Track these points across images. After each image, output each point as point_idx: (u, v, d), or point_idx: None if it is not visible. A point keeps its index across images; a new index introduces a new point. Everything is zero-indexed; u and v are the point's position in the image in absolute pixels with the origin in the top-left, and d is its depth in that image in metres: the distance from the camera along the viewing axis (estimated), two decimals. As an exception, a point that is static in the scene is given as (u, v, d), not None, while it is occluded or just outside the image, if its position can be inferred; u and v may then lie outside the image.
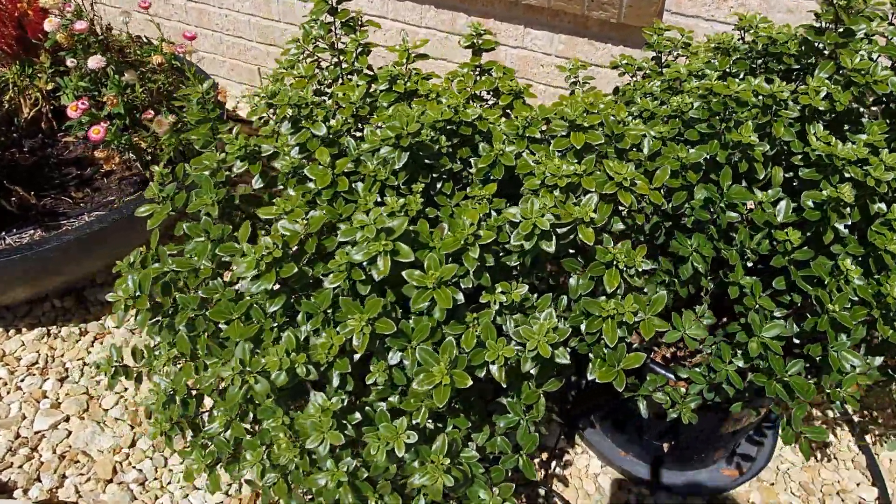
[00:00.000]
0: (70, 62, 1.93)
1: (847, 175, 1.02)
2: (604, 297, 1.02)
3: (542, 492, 1.66)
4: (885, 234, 1.00)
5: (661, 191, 1.16)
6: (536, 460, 1.71)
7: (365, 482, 1.01)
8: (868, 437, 1.85)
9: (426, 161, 1.05)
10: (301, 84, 1.23)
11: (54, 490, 1.63)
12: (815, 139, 1.07)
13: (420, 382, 0.89)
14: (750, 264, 1.20)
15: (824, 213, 1.03)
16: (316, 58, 1.34)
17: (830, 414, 1.91)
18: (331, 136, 1.11)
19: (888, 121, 1.14)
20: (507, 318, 1.00)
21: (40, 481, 1.64)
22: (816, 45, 1.21)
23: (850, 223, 1.03)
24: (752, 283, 1.14)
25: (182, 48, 1.97)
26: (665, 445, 1.62)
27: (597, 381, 1.02)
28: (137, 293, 0.99)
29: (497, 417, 1.14)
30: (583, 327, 1.02)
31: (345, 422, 0.92)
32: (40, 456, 1.70)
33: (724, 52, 1.27)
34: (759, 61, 1.26)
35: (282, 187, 1.18)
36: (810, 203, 1.07)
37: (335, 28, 1.34)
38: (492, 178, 1.07)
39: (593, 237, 0.96)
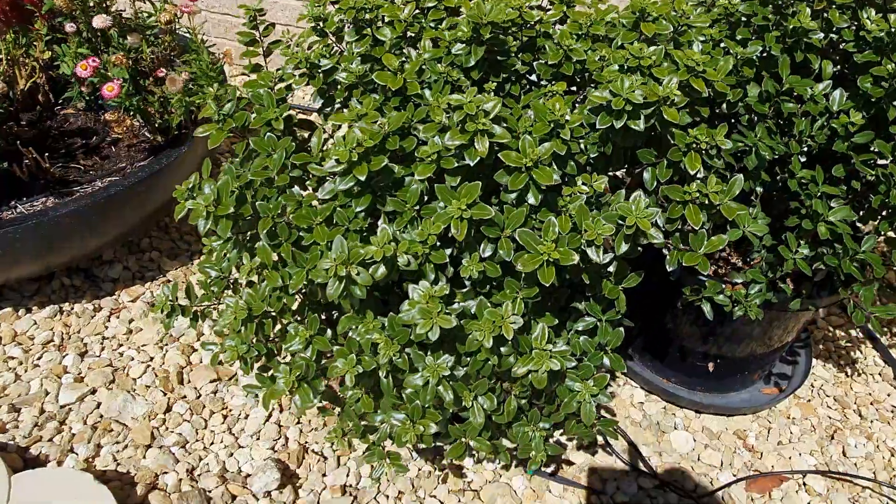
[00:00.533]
0: (69, 27, 1.86)
1: (904, 52, 1.05)
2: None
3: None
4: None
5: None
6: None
7: (461, 383, 0.99)
8: (893, 352, 1.91)
9: (498, 58, 1.04)
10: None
11: (90, 459, 1.56)
12: (869, 22, 1.09)
13: (525, 262, 0.88)
14: (804, 160, 1.22)
15: (887, 90, 1.06)
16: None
17: (854, 333, 1.96)
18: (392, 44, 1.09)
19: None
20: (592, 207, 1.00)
21: (74, 452, 1.57)
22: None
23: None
24: (812, 174, 1.16)
25: (187, 7, 1.92)
26: (710, 365, 1.63)
27: (669, 265, 1.02)
28: (215, 200, 0.95)
29: (571, 323, 1.14)
30: (658, 220, 1.02)
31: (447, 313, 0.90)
32: (70, 428, 1.62)
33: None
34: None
35: (339, 107, 1.15)
36: (868, 85, 1.09)
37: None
38: (562, 74, 1.06)
39: (678, 117, 0.96)
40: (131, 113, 1.82)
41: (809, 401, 1.78)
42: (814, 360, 1.86)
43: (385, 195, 0.97)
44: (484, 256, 0.96)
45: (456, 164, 0.92)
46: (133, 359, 1.79)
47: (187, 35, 2.01)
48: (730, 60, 1.11)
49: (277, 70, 1.12)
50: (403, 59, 1.07)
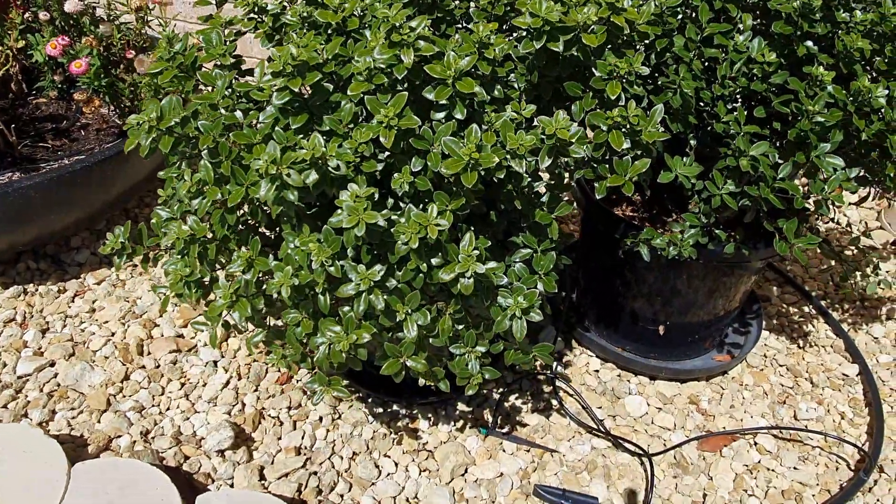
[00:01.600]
0: (43, 15, 1.93)
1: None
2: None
3: (550, 387, 1.68)
4: (851, 36, 1.10)
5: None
6: (539, 362, 1.73)
7: (394, 297, 1.02)
8: (844, 326, 1.95)
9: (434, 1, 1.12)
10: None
11: (45, 424, 1.55)
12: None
13: (448, 165, 0.93)
14: (731, 107, 1.29)
15: (796, 26, 1.13)
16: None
17: (806, 309, 2.01)
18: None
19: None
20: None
21: (28, 417, 1.57)
22: None
23: (819, 34, 1.14)
24: (735, 117, 1.23)
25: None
26: (661, 328, 1.67)
27: (598, 192, 1.07)
28: (158, 117, 1.00)
29: (509, 258, 1.18)
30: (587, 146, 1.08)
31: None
32: (26, 396, 1.62)
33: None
34: None
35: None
36: (779, 28, 1.17)
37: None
38: (494, 14, 1.14)
39: (596, 41, 1.03)
40: (101, 94, 1.88)
41: (762, 369, 1.81)
42: (767, 333, 1.90)
43: (322, 116, 1.02)
44: (415, 171, 1.00)
45: (386, 81, 0.98)
46: (94, 333, 1.80)
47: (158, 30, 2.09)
48: (651, 5, 1.19)
49: (224, 18, 1.18)
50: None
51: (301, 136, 1.01)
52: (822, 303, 2.03)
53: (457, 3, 1.18)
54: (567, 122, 0.99)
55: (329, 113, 1.03)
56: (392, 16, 0.94)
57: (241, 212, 1.09)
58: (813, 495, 1.50)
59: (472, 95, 0.98)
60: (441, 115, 1.01)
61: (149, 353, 1.74)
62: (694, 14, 1.27)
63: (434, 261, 1.00)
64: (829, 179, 1.15)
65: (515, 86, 1.10)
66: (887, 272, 2.16)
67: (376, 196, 0.95)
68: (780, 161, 1.21)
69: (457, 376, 1.12)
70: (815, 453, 1.60)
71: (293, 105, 1.01)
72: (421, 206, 1.02)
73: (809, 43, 1.17)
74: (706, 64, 1.25)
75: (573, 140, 0.98)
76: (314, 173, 0.93)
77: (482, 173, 0.94)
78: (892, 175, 1.11)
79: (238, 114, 1.05)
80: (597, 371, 1.75)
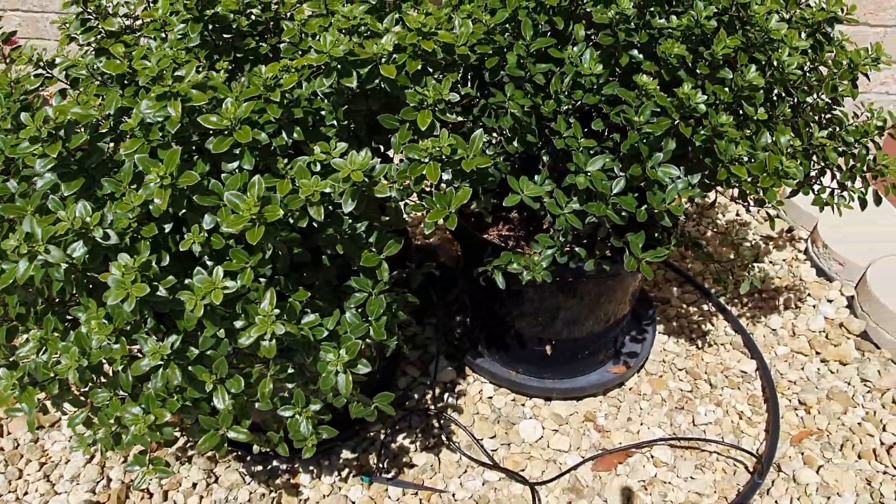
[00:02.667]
0: None
1: None
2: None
3: (438, 423, 1.61)
4: (669, 42, 1.06)
5: (474, 51, 1.19)
6: (429, 395, 1.66)
7: (199, 366, 0.93)
8: (742, 322, 1.93)
9: (225, 37, 1.04)
10: None
11: None
12: (598, -20, 1.14)
13: (230, 223, 0.85)
14: (572, 121, 1.25)
15: (615, 36, 1.09)
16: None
17: (706, 307, 1.99)
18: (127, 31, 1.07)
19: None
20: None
21: None
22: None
23: (640, 43, 1.10)
24: (575, 130, 1.18)
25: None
26: (547, 348, 1.62)
27: (426, 228, 1.01)
28: None
29: (347, 303, 1.10)
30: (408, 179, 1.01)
31: (157, 284, 0.85)
32: None
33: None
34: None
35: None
36: (602, 39, 1.13)
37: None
38: (302, 50, 1.06)
39: (394, 72, 0.96)
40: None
41: (661, 375, 1.77)
42: (666, 337, 1.87)
43: (102, 178, 0.93)
44: (209, 228, 0.92)
45: (161, 135, 0.89)
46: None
47: None
48: (469, 22, 1.13)
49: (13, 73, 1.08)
50: (132, 49, 1.05)
51: (74, 197, 0.92)
52: (722, 299, 2.01)
53: (261, 41, 1.10)
54: (366, 161, 0.92)
55: (111, 174, 0.93)
56: (153, 65, 0.86)
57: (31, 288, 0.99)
58: (709, 506, 1.46)
59: (257, 143, 0.90)
60: (233, 165, 0.93)
61: (9, 433, 1.61)
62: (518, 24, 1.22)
63: (238, 323, 0.91)
64: (668, 190, 1.11)
65: (333, 123, 1.03)
66: (783, 260, 2.16)
67: (146, 259, 0.86)
68: (623, 174, 1.16)
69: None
70: (712, 459, 1.57)
71: (68, 169, 0.92)
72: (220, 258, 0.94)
73: (634, 52, 1.13)
74: (542, 79, 1.20)
75: (377, 178, 0.91)
76: (82, 245, 0.84)
77: (290, 220, 0.86)
78: (724, 179, 1.07)
79: (11, 183, 0.95)
80: (490, 398, 1.69)
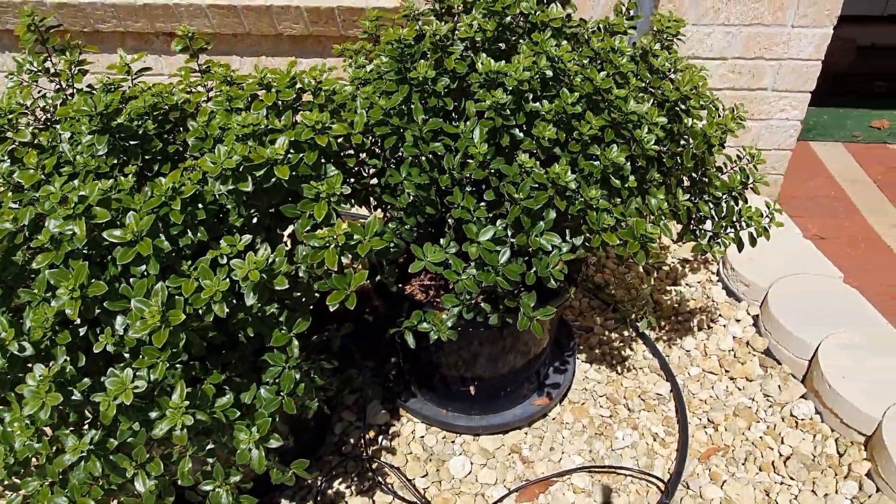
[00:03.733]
0: None
1: (508, 86, 1.21)
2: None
3: (371, 465, 1.70)
4: (543, 125, 1.18)
5: (370, 137, 1.30)
6: (364, 439, 1.76)
7: (121, 454, 1.02)
8: (659, 346, 2.07)
9: (131, 143, 1.12)
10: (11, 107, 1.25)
11: None
12: (481, 65, 1.25)
13: (137, 330, 0.93)
14: (469, 189, 1.36)
15: (494, 117, 1.21)
16: (36, 86, 1.38)
17: (626, 333, 2.12)
18: (37, 141, 1.14)
19: (532, 40, 1.35)
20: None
21: None
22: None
23: (519, 123, 1.22)
24: (468, 202, 1.29)
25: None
26: (471, 389, 1.72)
27: (329, 305, 1.11)
28: None
29: (264, 376, 1.19)
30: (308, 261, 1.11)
31: (73, 389, 0.94)
32: None
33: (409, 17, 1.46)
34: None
35: None
36: (485, 123, 1.24)
37: (51, 58, 1.38)
38: (204, 150, 1.15)
39: (288, 173, 1.06)
40: None
41: (583, 403, 1.90)
42: (588, 366, 2.00)
43: (18, 287, 1.00)
44: (120, 332, 1.00)
45: (69, 248, 0.97)
46: None
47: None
48: (364, 114, 1.24)
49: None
50: (46, 156, 1.12)
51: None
52: (640, 324, 2.15)
53: (170, 140, 1.18)
54: (262, 260, 1.01)
55: (28, 282, 1.01)
56: (57, 190, 0.94)
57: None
58: (621, 529, 1.59)
59: (161, 250, 0.99)
60: (141, 268, 1.02)
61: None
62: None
63: (153, 413, 1.00)
64: (551, 255, 1.23)
65: (238, 216, 1.12)
66: (698, 282, 2.31)
67: (60, 368, 0.94)
68: (513, 240, 1.28)
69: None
70: (626, 482, 1.69)
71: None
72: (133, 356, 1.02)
73: (515, 131, 1.25)
74: (441, 149, 1.31)
75: (276, 270, 1.01)
76: (0, 357, 0.92)
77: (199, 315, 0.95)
78: (597, 247, 1.19)
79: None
80: (423, 437, 1.79)
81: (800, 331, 1.91)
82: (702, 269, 2.36)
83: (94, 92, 1.30)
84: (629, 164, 1.21)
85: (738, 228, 1.41)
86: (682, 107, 1.23)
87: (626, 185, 1.23)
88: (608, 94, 1.18)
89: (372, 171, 1.33)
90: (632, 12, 1.46)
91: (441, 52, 1.27)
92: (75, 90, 1.36)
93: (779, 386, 1.91)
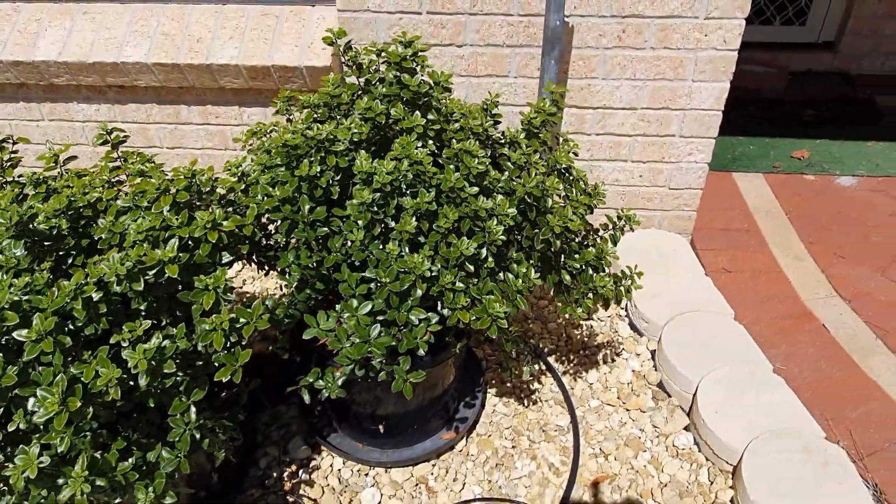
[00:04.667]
0: None
1: (379, 182, 1.40)
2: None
3: (290, 499, 1.90)
4: (406, 219, 1.38)
5: (261, 222, 1.48)
6: (286, 473, 1.95)
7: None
8: (566, 378, 2.27)
9: (46, 243, 1.31)
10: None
11: None
12: (359, 163, 1.44)
13: (40, 416, 1.12)
14: (354, 265, 1.55)
15: (364, 212, 1.40)
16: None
17: (537, 366, 2.32)
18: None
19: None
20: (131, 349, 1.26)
21: None
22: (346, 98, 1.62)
23: (390, 214, 1.41)
24: (350, 277, 1.49)
25: None
26: (381, 427, 1.92)
27: (221, 379, 1.30)
28: None
29: (169, 435, 1.39)
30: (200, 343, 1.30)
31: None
32: None
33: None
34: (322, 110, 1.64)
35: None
36: (355, 203, 1.43)
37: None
38: (113, 243, 1.34)
39: (177, 271, 1.25)
40: None
41: (489, 436, 2.10)
42: (497, 399, 2.20)
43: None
44: (32, 411, 1.19)
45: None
46: None
47: None
48: (255, 208, 1.43)
49: None
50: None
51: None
52: (553, 357, 2.35)
53: (83, 235, 1.37)
54: (152, 348, 1.20)
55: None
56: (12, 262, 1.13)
57: None
58: (508, 553, 1.79)
59: (63, 344, 1.18)
60: (49, 358, 1.21)
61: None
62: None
63: (60, 480, 1.19)
64: (417, 328, 1.42)
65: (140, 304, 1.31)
66: (608, 317, 2.51)
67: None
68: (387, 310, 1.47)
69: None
70: (519, 510, 1.90)
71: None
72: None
73: (389, 220, 1.44)
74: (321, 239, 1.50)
75: (167, 355, 1.20)
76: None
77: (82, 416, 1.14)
78: (455, 323, 1.39)
79: None
80: (339, 470, 1.99)
81: (684, 367, 2.12)
82: (611, 304, 2.55)
83: (24, 181, 1.49)
84: (484, 250, 1.40)
85: (595, 294, 1.60)
86: (529, 200, 1.42)
87: (485, 266, 1.42)
88: (462, 191, 1.37)
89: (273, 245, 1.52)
90: (495, 111, 1.64)
91: (325, 153, 1.46)
92: (6, 181, 1.54)
93: (666, 418, 2.11)
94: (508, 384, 2.26)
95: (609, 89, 2.52)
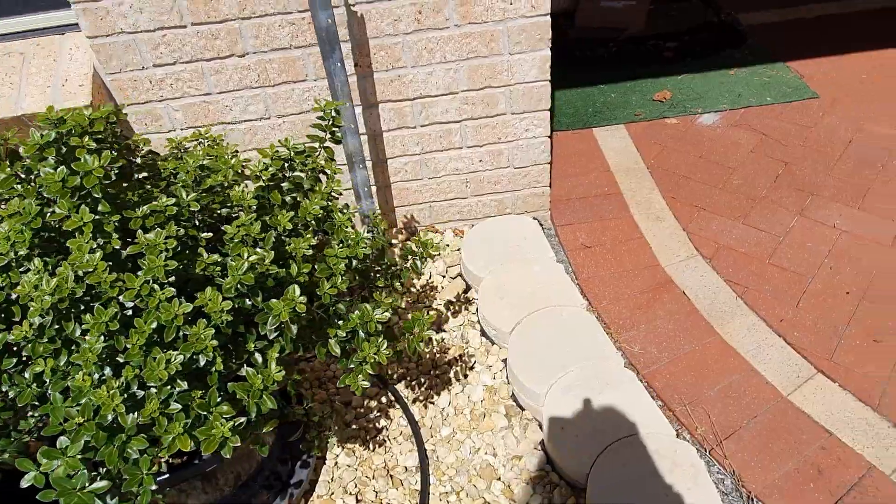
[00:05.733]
0: None
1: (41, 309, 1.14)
2: None
3: None
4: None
5: None
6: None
7: None
8: (416, 406, 2.09)
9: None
10: None
11: None
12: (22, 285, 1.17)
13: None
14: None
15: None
16: None
17: (385, 399, 2.14)
18: None
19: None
20: None
21: None
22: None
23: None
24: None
25: None
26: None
27: None
28: None
29: None
30: None
31: None
32: None
33: None
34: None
35: None
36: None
37: None
38: None
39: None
40: None
41: (331, 495, 1.91)
42: (340, 449, 2.01)
43: None
44: None
45: None
46: None
47: None
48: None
49: None
50: None
51: None
52: (403, 383, 2.17)
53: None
54: None
55: None
56: None
57: None
58: None
59: None
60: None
61: None
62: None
63: None
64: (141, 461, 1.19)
65: None
66: (459, 325, 2.32)
67: None
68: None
69: None
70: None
71: None
72: None
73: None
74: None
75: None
76: None
77: None
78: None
79: None
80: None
81: (532, 381, 1.96)
82: (463, 310, 2.37)
83: None
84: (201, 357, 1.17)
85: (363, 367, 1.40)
86: (243, 289, 1.18)
87: (214, 370, 1.19)
88: (150, 297, 1.13)
89: None
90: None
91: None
92: None
93: (518, 438, 1.96)
94: (354, 426, 2.07)
95: (422, 77, 2.26)
